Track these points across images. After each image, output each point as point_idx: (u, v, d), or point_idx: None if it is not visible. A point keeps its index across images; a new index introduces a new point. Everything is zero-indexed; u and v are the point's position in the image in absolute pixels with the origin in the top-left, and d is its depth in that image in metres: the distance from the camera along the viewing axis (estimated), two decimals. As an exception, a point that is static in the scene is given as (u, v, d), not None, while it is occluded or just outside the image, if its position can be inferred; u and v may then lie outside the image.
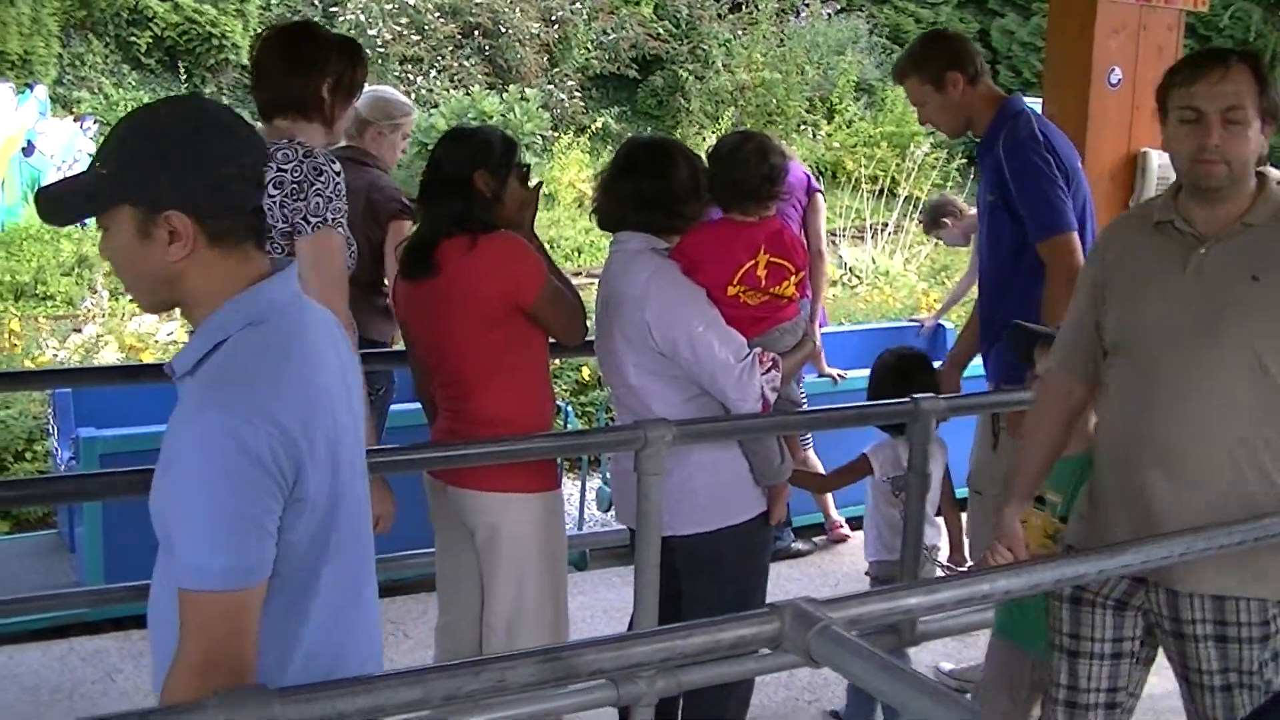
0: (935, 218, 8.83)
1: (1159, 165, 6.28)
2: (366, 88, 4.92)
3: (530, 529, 4.51)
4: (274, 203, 4.17)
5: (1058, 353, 4.04)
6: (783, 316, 4.71)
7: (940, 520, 5.53)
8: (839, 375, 8.20)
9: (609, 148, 21.74)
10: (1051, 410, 4.02)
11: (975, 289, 6.19)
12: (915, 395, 4.89)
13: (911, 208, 18.27)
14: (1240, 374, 3.57)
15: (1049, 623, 3.98)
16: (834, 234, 16.60)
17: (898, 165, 20.61)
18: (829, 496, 7.80)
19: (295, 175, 4.20)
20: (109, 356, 10.00)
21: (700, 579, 4.61)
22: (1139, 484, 3.69)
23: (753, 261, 4.62)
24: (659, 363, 4.51)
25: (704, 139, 21.28)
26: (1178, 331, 3.64)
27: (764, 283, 4.64)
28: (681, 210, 4.63)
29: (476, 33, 22.68)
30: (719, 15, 25.19)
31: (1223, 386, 3.58)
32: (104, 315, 12.57)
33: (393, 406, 6.11)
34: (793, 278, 4.72)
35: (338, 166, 4.27)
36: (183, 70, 20.34)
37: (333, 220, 4.22)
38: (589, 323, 4.79)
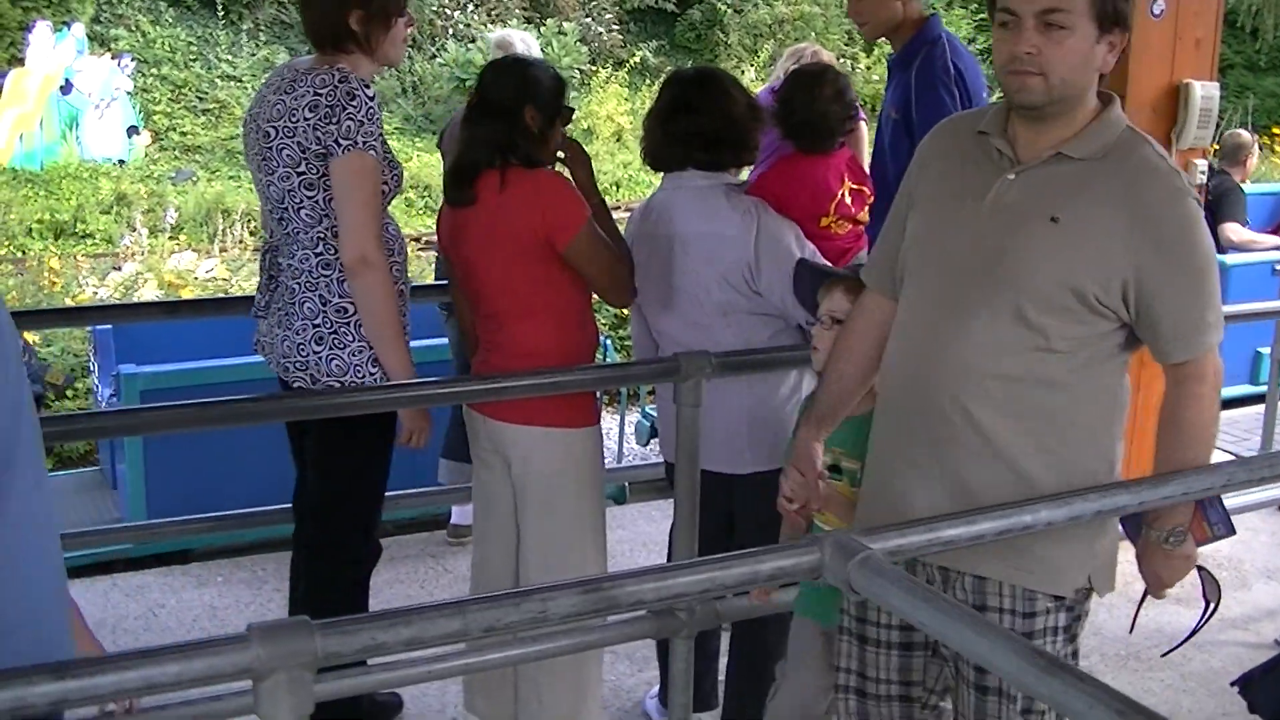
0: None
1: (1202, 97, 6.21)
2: (496, 31, 4.99)
3: (565, 464, 4.49)
4: (309, 125, 4.26)
5: (870, 269, 3.63)
6: (860, 245, 4.86)
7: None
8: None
9: (647, 82, 21.72)
10: (859, 330, 3.57)
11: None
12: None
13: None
14: (1005, 327, 3.15)
15: (840, 603, 3.61)
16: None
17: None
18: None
19: (329, 99, 4.26)
20: (148, 294, 10.04)
21: (761, 511, 4.43)
22: (908, 432, 3.33)
23: (842, 190, 4.80)
24: (749, 302, 4.48)
25: (742, 72, 21.23)
26: (959, 266, 3.24)
27: (852, 209, 4.83)
28: (746, 142, 4.62)
29: (514, -33, 22.61)
30: (758, -53, 25.05)
31: (986, 339, 3.17)
32: (143, 253, 12.62)
33: (420, 341, 6.09)
34: (868, 203, 4.92)
35: (372, 91, 4.32)
36: (220, 6, 20.31)
37: (364, 144, 4.26)
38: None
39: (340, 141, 4.25)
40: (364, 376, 4.41)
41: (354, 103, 4.26)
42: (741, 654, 4.73)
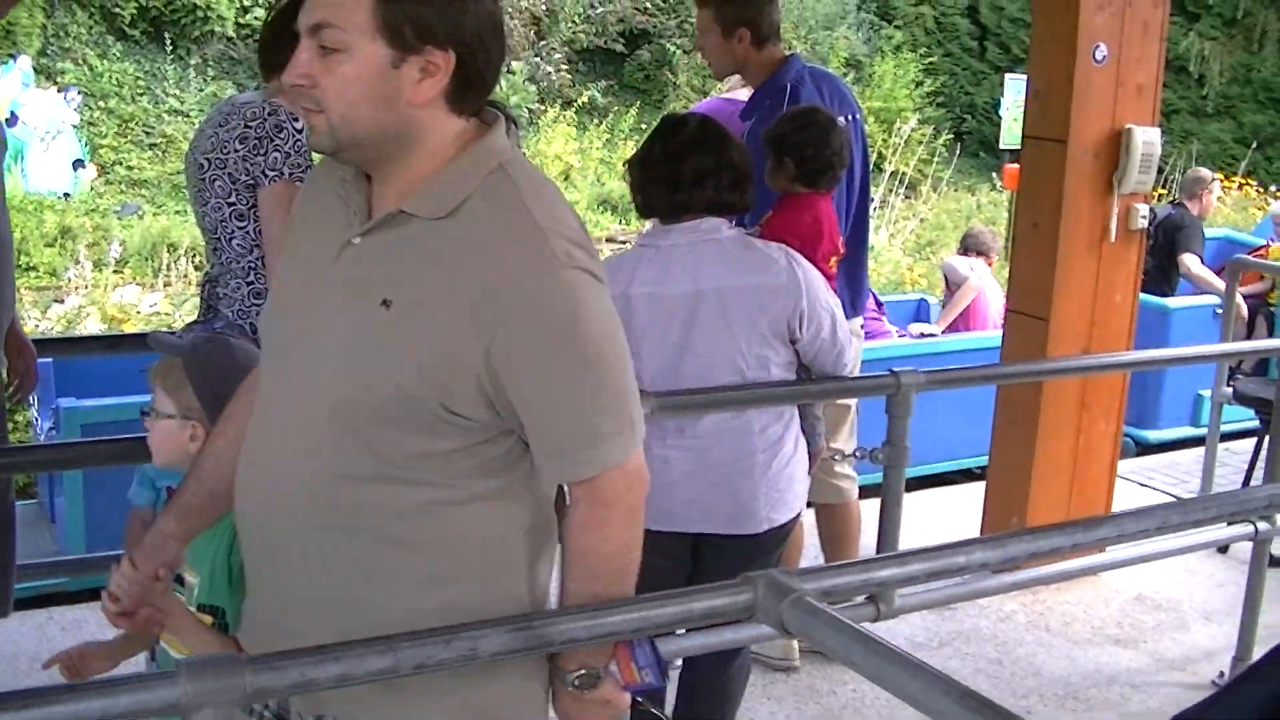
0: (979, 249, 10.68)
1: (1144, 142, 6.27)
2: None
3: None
4: (239, 157, 4.36)
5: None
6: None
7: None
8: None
9: (595, 121, 21.77)
10: (244, 403, 2.79)
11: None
12: (895, 369, 4.89)
13: (897, 183, 18.29)
14: (339, 439, 2.45)
15: None
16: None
17: (884, 140, 20.61)
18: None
19: (258, 131, 4.36)
20: (91, 327, 9.98)
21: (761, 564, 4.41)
22: (261, 548, 2.63)
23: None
24: (780, 355, 4.37)
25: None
26: (293, 357, 2.55)
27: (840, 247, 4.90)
28: (750, 188, 4.43)
29: (464, 5, 22.61)
30: (707, -11, 25.10)
31: (322, 453, 2.47)
32: (87, 287, 12.56)
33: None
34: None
35: (300, 124, 4.36)
36: (169, 41, 20.25)
37: (290, 174, 4.34)
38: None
39: (267, 173, 4.35)
40: None
41: (281, 134, 4.35)
42: (697, 697, 4.65)
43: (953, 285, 10.34)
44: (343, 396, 2.42)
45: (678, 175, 4.24)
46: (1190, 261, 10.79)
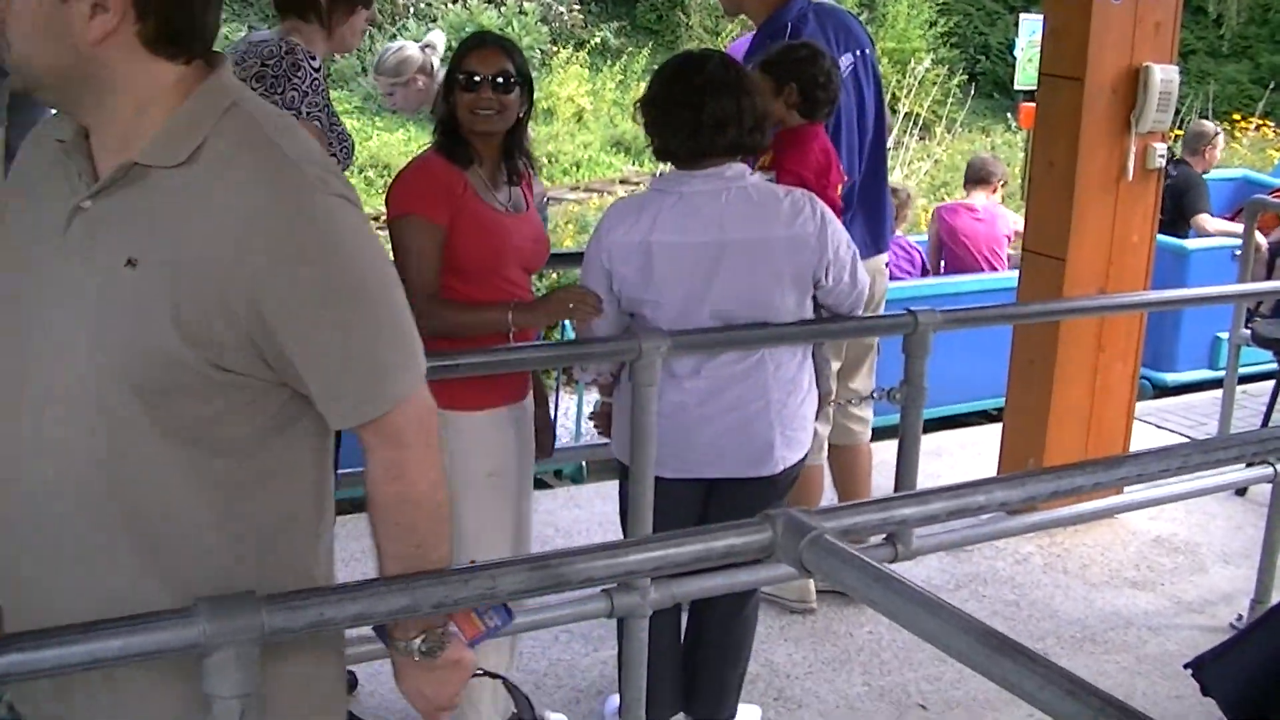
0: (980, 177, 10.15)
1: (1161, 80, 6.21)
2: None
3: (456, 448, 4.10)
4: (258, 96, 4.26)
5: None
6: None
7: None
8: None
9: (608, 63, 21.70)
10: None
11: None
12: (912, 309, 4.86)
13: (911, 124, 18.21)
14: (91, 413, 2.23)
15: None
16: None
17: (898, 82, 20.52)
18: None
19: (275, 70, 4.35)
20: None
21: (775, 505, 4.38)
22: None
23: None
24: (801, 299, 4.34)
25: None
26: (22, 333, 2.29)
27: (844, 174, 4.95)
28: (768, 126, 4.37)
29: (476, -55, 22.56)
30: (721, -72, 25.00)
31: (59, 433, 2.24)
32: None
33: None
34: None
35: (318, 62, 4.36)
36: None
37: (307, 113, 4.33)
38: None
39: (285, 111, 4.24)
40: None
41: (299, 73, 4.33)
42: (710, 643, 4.64)
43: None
44: (100, 372, 2.20)
45: (698, 120, 4.13)
46: (1205, 222, 10.60)
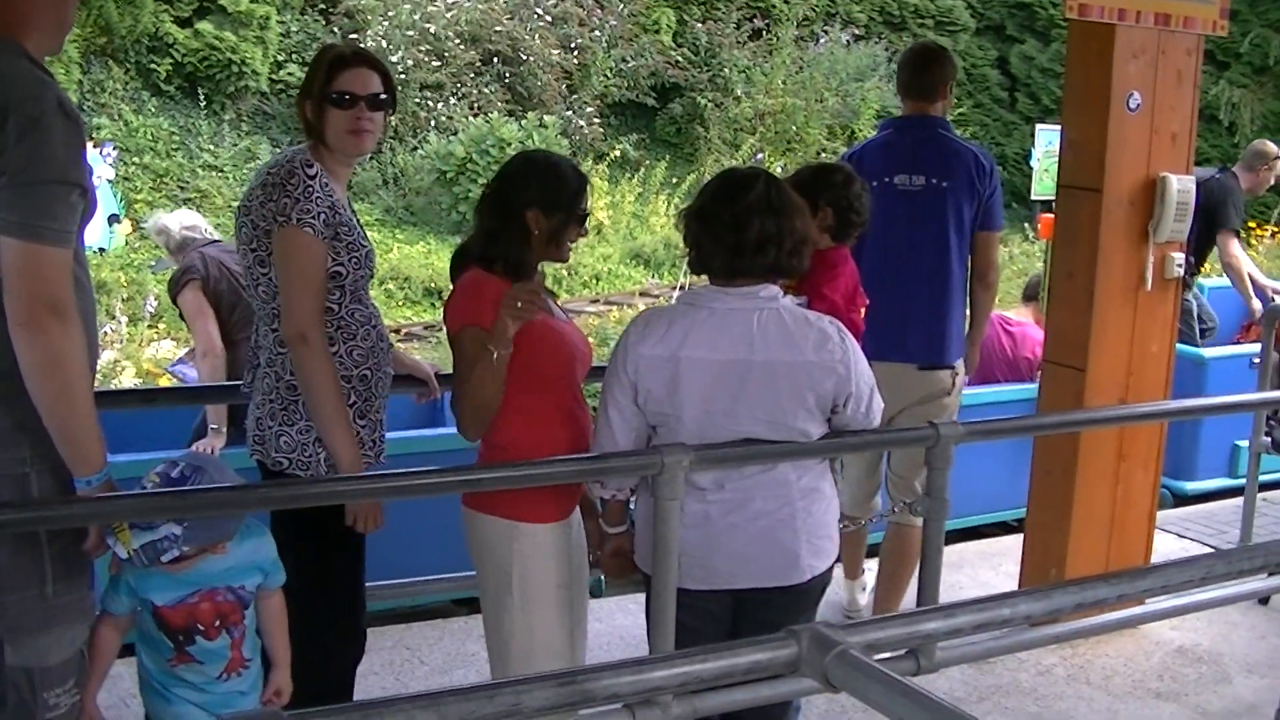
0: (1033, 294, 9.97)
1: (1179, 191, 6.25)
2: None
3: (515, 558, 4.39)
4: (259, 204, 4.44)
5: None
6: None
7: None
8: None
9: (627, 175, 21.81)
10: None
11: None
12: (933, 421, 4.88)
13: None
14: None
15: None
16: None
17: (917, 192, 20.59)
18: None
19: (274, 179, 4.43)
20: (126, 382, 10.02)
21: (804, 617, 4.34)
22: None
23: None
24: (819, 423, 4.33)
25: (722, 166, 21.29)
26: None
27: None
28: (809, 252, 4.38)
29: (496, 60, 22.77)
30: (739, 43, 25.25)
31: None
32: (122, 341, 12.60)
33: (409, 432, 6.08)
34: None
35: (313, 170, 4.40)
36: (203, 97, 20.39)
37: (298, 220, 4.35)
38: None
39: (278, 218, 4.37)
40: (310, 456, 4.48)
41: (293, 180, 4.39)
42: None
43: None
44: None
45: (741, 239, 4.15)
46: (1228, 243, 10.08)
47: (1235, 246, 10.30)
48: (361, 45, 20.63)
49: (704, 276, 4.35)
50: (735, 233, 4.16)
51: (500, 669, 4.48)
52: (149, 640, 4.04)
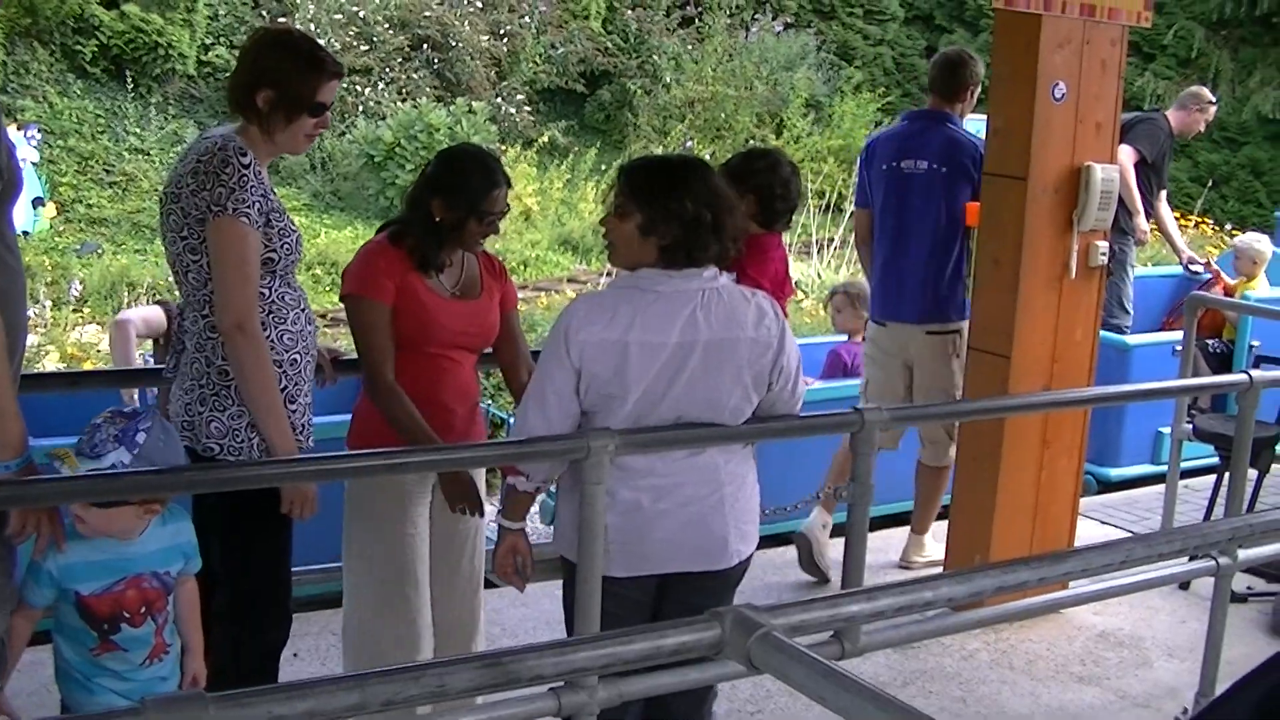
0: None
1: (1103, 179, 6.30)
2: None
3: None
4: (190, 192, 4.38)
5: None
6: None
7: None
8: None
9: (555, 162, 21.77)
10: None
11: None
12: (859, 407, 4.90)
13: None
14: None
15: None
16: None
17: (844, 180, 20.71)
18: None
19: (206, 167, 4.37)
20: (50, 366, 9.94)
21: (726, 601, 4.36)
22: None
23: None
24: (753, 403, 4.34)
25: (650, 153, 21.29)
26: None
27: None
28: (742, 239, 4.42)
29: (425, 45, 22.69)
30: (668, 30, 25.28)
31: None
32: (46, 325, 12.49)
33: (334, 417, 6.04)
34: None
35: (248, 159, 4.38)
36: (129, 79, 20.20)
37: (234, 209, 4.33)
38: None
39: (212, 207, 4.34)
40: (241, 442, 4.47)
41: (227, 169, 4.34)
42: None
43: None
44: None
45: (681, 230, 4.16)
46: (1125, 156, 9.38)
47: (1130, 159, 9.74)
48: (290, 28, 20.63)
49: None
50: (682, 225, 4.16)
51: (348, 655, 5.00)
52: (69, 631, 3.99)
